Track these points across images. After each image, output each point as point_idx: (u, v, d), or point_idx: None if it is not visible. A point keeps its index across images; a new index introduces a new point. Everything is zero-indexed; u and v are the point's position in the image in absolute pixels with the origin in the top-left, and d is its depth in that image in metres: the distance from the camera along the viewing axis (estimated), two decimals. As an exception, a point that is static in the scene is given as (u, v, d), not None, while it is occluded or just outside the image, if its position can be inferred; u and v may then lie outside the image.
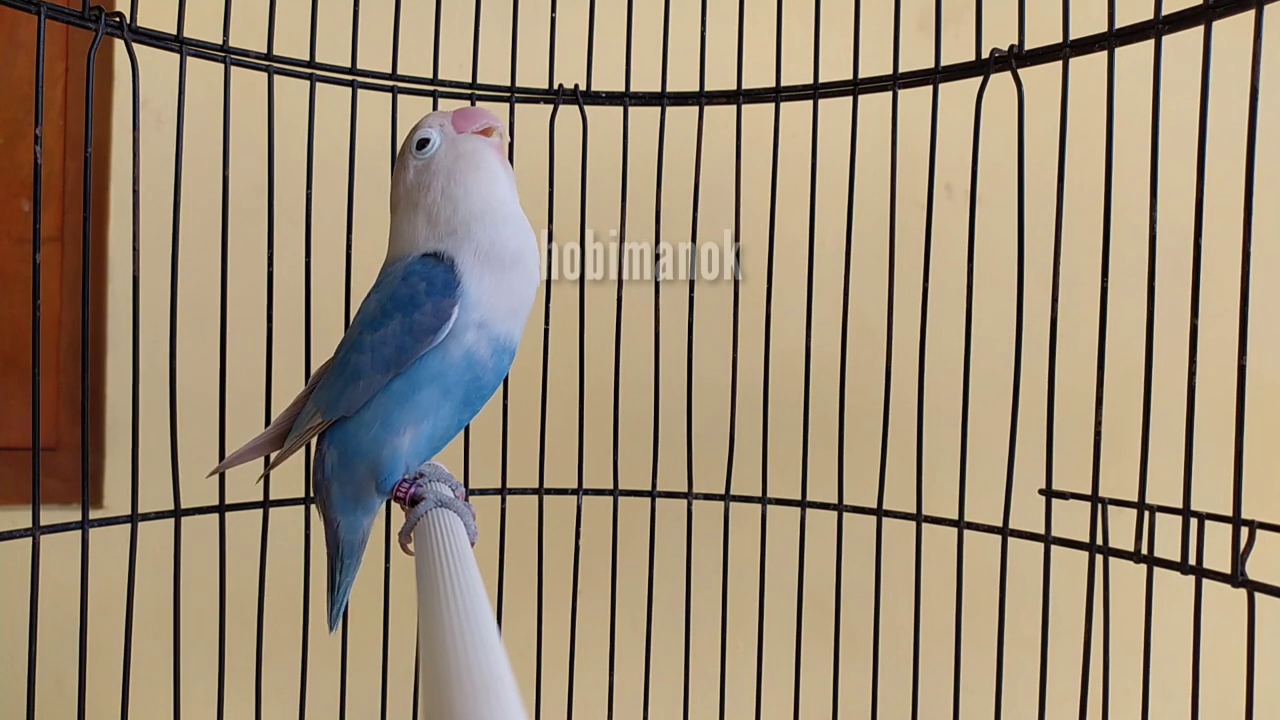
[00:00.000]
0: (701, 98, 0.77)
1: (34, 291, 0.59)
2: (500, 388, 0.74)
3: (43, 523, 0.61)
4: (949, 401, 0.72)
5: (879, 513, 0.75)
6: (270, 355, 0.71)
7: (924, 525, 0.74)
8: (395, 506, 0.71)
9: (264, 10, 0.70)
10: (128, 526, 0.65)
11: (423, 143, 0.58)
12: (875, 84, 0.74)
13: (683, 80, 0.77)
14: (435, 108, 0.75)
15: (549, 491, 0.79)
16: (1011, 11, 0.69)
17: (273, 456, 0.62)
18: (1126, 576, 0.65)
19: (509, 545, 0.77)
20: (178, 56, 0.66)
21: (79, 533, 0.63)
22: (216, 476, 0.69)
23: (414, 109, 0.74)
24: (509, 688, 0.28)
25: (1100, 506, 0.66)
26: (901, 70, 0.73)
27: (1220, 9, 0.58)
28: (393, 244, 0.60)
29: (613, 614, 0.77)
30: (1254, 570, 0.57)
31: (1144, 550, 0.64)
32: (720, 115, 0.77)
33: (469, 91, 0.76)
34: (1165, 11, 0.61)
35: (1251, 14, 0.56)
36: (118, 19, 0.62)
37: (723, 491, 0.78)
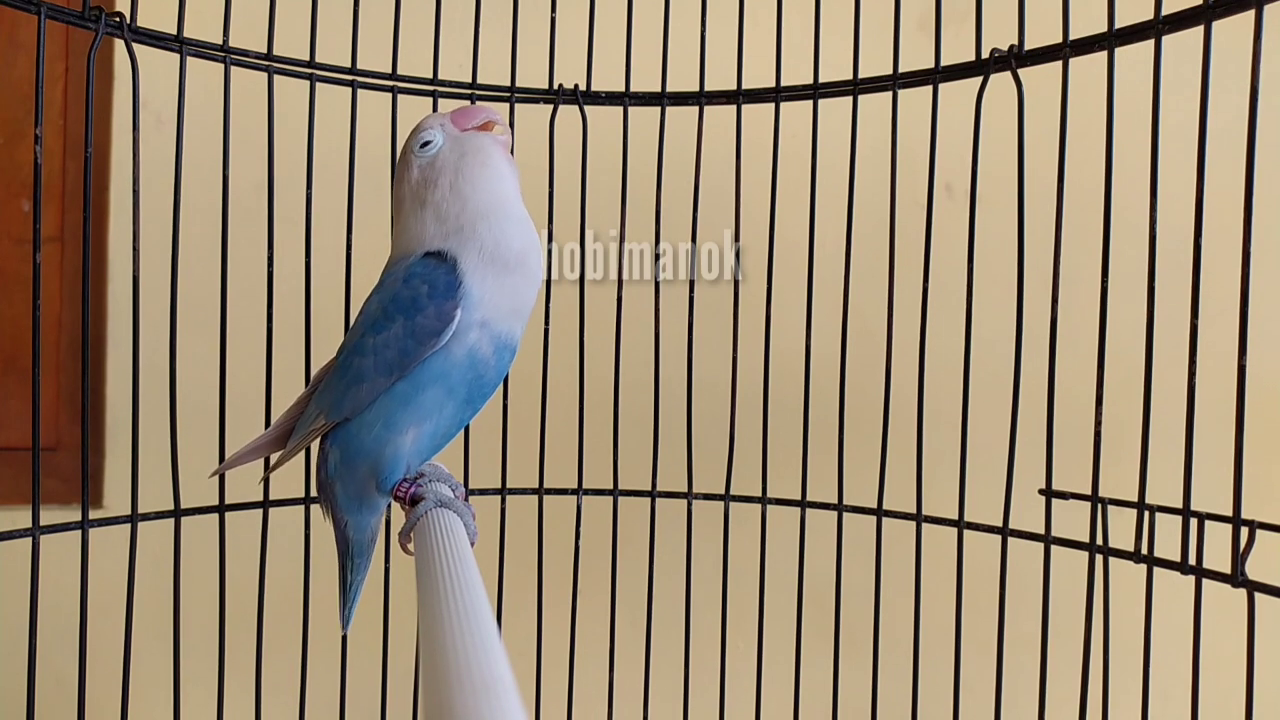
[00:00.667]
0: (701, 98, 0.77)
1: (34, 291, 0.59)
2: (500, 387, 0.74)
3: (43, 523, 0.61)
4: (949, 402, 0.72)
5: (879, 513, 0.75)
6: (270, 355, 0.71)
7: (924, 525, 0.74)
8: (395, 506, 0.71)
9: (264, 10, 0.70)
10: (128, 526, 0.65)
11: (426, 143, 0.58)
12: (875, 84, 0.74)
13: (683, 80, 0.77)
14: (435, 108, 0.75)
15: (549, 491, 0.79)
16: (1011, 11, 0.69)
17: (274, 458, 0.62)
18: (1126, 576, 0.65)
19: (509, 545, 0.77)
20: (178, 56, 0.66)
21: (79, 533, 0.63)
22: (216, 476, 0.69)
23: (414, 109, 0.74)
24: (509, 688, 0.28)
25: (1100, 506, 0.66)
26: (901, 70, 0.73)
27: (1220, 9, 0.58)
28: (397, 242, 0.60)
29: (613, 613, 0.77)
30: (1254, 570, 0.57)
31: (1144, 550, 0.64)
32: (720, 115, 0.77)
33: (469, 91, 0.76)
34: (1165, 11, 0.61)
35: (1251, 14, 0.56)
36: (118, 19, 0.62)
37: (723, 491, 0.78)
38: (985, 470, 0.72)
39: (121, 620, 0.66)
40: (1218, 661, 0.61)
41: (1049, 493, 0.69)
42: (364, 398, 0.57)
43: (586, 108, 0.76)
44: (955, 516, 0.72)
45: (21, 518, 0.62)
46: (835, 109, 0.76)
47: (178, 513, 0.67)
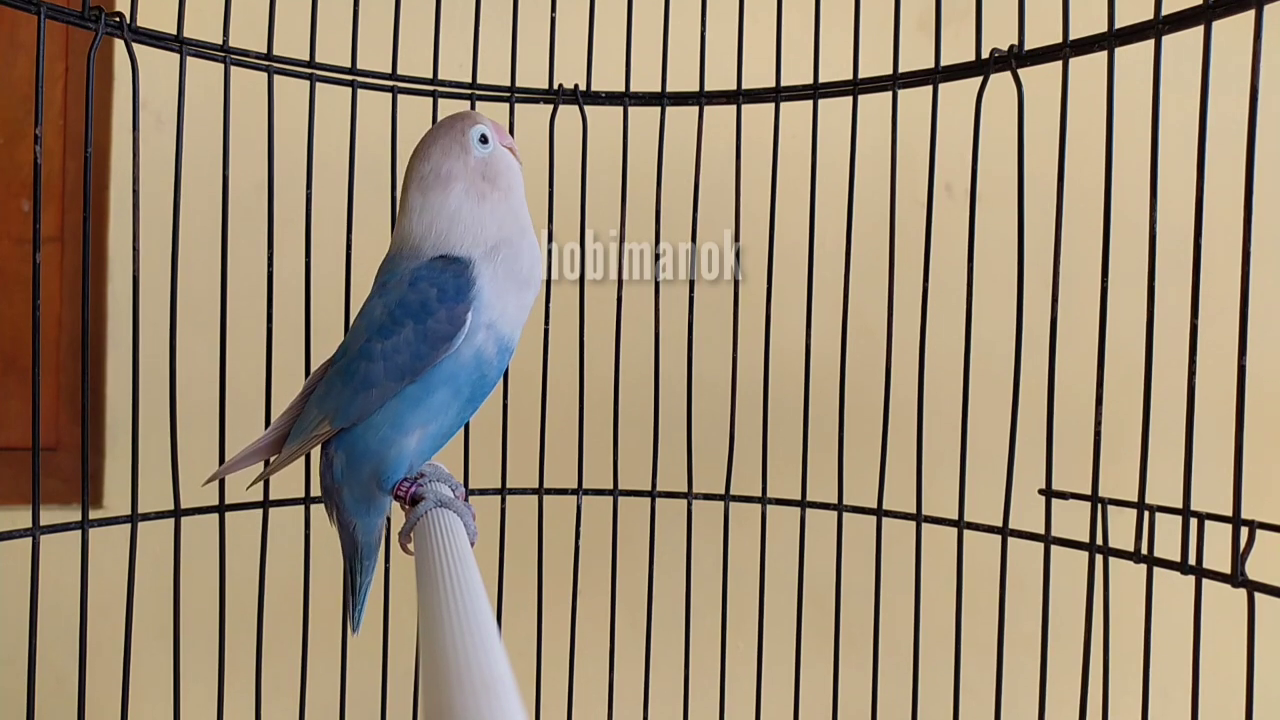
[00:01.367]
0: (701, 98, 0.77)
1: (34, 291, 0.59)
2: (500, 387, 0.74)
3: (43, 523, 0.61)
4: (949, 401, 0.72)
5: (879, 513, 0.75)
6: (270, 355, 0.71)
7: (924, 525, 0.74)
8: (395, 507, 0.71)
9: (264, 10, 0.70)
10: (128, 526, 0.65)
11: (484, 138, 0.58)
12: (875, 84, 0.74)
13: (683, 80, 0.77)
14: (435, 108, 0.75)
15: (549, 491, 0.79)
16: (1011, 11, 0.69)
17: (272, 461, 0.62)
18: (1126, 576, 0.65)
19: (509, 545, 0.77)
20: (178, 56, 0.66)
21: (79, 533, 0.63)
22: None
23: (414, 109, 0.75)
24: (509, 688, 0.28)
25: (1100, 506, 0.66)
26: (901, 70, 0.73)
27: (1220, 9, 0.58)
28: (410, 231, 0.57)
29: (613, 613, 0.77)
30: (1254, 570, 0.57)
31: (1144, 550, 0.64)
32: (720, 115, 0.77)
33: (469, 91, 0.76)
34: (1165, 11, 0.61)
35: (1251, 14, 0.56)
36: (118, 19, 0.62)
37: (723, 491, 0.78)
38: (985, 470, 0.72)
39: (121, 620, 0.66)
40: (1218, 661, 0.61)
41: (1049, 493, 0.69)
42: (374, 403, 0.56)
43: (586, 108, 0.76)
44: (955, 516, 0.72)
45: (21, 518, 0.62)
46: (835, 109, 0.76)
47: (178, 513, 0.67)
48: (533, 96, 0.77)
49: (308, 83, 0.72)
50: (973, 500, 0.72)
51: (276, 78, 0.70)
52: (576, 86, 0.77)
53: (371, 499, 0.59)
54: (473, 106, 0.76)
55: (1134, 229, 0.63)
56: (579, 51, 0.77)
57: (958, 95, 0.72)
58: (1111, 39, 0.63)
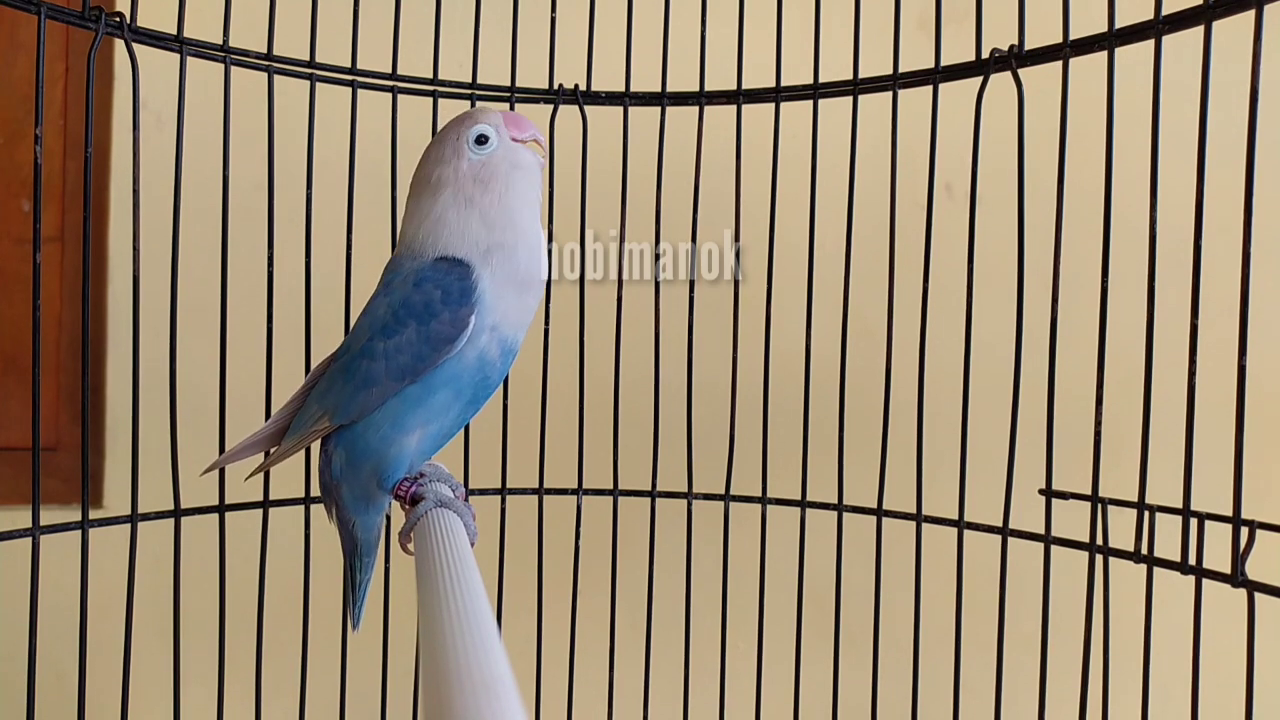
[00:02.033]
0: (701, 98, 0.77)
1: (34, 291, 0.59)
2: (500, 387, 0.74)
3: (43, 523, 0.61)
4: (949, 402, 0.72)
5: (879, 513, 0.75)
6: (270, 355, 0.71)
7: (924, 525, 0.74)
8: (395, 507, 0.71)
9: (264, 10, 0.70)
10: (128, 526, 0.65)
11: (482, 139, 0.57)
12: (875, 84, 0.74)
13: (683, 80, 0.77)
14: (435, 108, 0.75)
15: (549, 491, 0.79)
16: (1011, 11, 0.69)
17: (271, 453, 0.62)
18: (1126, 576, 0.65)
19: (509, 545, 0.77)
20: (178, 56, 0.66)
21: (79, 533, 0.63)
22: (216, 476, 0.69)
23: (414, 109, 0.75)
24: (509, 688, 0.28)
25: (1100, 506, 0.66)
26: (901, 70, 0.73)
27: (1220, 9, 0.58)
28: (415, 232, 0.58)
29: (613, 614, 0.77)
30: (1254, 570, 0.57)
31: (1144, 550, 0.64)
32: (720, 115, 0.77)
33: (469, 91, 0.76)
34: (1165, 11, 0.61)
35: (1251, 14, 0.56)
36: (118, 19, 0.62)
37: (723, 491, 0.78)
38: (985, 470, 0.72)
39: (121, 620, 0.66)
40: (1218, 661, 0.61)
41: (1049, 493, 0.69)
42: (374, 401, 0.56)
43: (586, 108, 0.76)
44: (955, 516, 0.72)
45: (21, 518, 0.62)
46: (835, 109, 0.76)
47: (178, 513, 0.67)
48: (533, 96, 0.77)
49: (308, 83, 0.72)
50: (973, 500, 0.72)
51: (276, 78, 0.70)
52: (576, 86, 0.77)
53: (370, 497, 0.59)
54: (473, 106, 0.76)
55: (1134, 229, 0.63)
56: (579, 51, 0.77)
57: (958, 95, 0.72)
58: (1111, 39, 0.63)
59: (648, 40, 0.77)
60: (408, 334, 0.55)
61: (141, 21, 0.64)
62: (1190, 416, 0.59)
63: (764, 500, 0.78)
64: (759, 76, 0.78)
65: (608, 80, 0.77)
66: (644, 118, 0.77)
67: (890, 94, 0.73)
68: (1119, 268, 0.64)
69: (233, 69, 0.69)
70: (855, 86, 0.75)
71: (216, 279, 0.69)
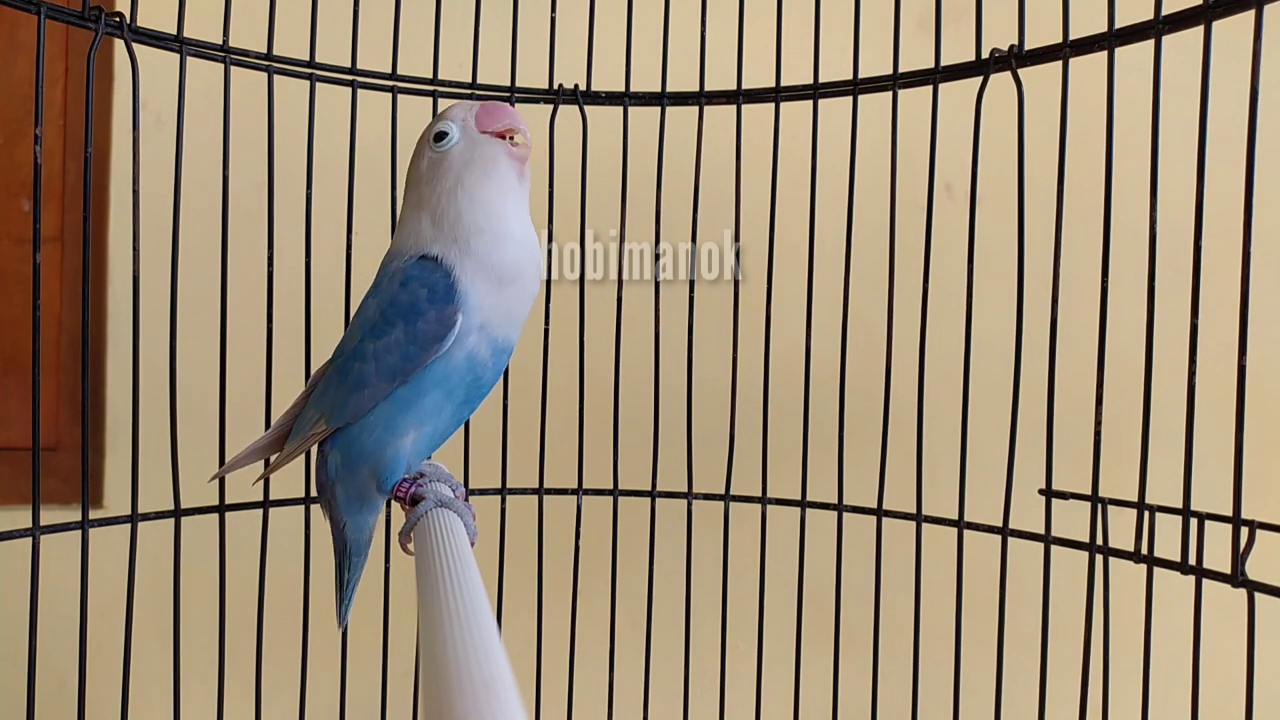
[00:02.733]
0: (701, 98, 0.77)
1: (34, 291, 0.59)
2: (500, 387, 0.74)
3: (43, 523, 0.61)
4: (949, 402, 0.72)
5: (879, 513, 0.75)
6: (270, 355, 0.71)
7: (924, 525, 0.74)
8: (395, 507, 0.71)
9: (264, 10, 0.70)
10: (128, 526, 0.65)
11: (440, 135, 0.57)
12: (875, 84, 0.74)
13: (683, 80, 0.77)
14: (435, 108, 0.75)
15: (549, 491, 0.79)
16: (1011, 11, 0.69)
17: (273, 459, 0.62)
18: (1126, 576, 0.65)
19: (509, 545, 0.77)
20: (178, 56, 0.66)
21: (79, 533, 0.63)
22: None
23: (414, 109, 0.74)
24: (509, 688, 0.28)
25: (1100, 506, 0.66)
26: (901, 70, 0.73)
27: (1220, 9, 0.58)
28: (396, 235, 0.60)
29: (613, 614, 0.77)
30: (1254, 570, 0.57)
31: (1144, 550, 0.64)
32: (720, 115, 0.77)
33: (469, 91, 0.76)
34: (1165, 11, 0.61)
35: (1251, 14, 0.56)
36: (118, 19, 0.62)
37: (723, 491, 0.78)
38: (985, 470, 0.72)
39: (121, 620, 0.66)
40: (1218, 661, 0.61)
41: (1049, 493, 0.69)
42: (366, 403, 0.56)
43: (586, 108, 0.76)
44: (955, 516, 0.72)
45: (21, 518, 0.62)
46: (835, 109, 0.76)
47: (178, 513, 0.67)
48: (533, 96, 0.77)
49: (308, 83, 0.72)
50: (973, 500, 0.72)
51: (276, 78, 0.70)
52: (576, 86, 0.77)
53: (365, 499, 0.59)
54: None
55: (1134, 229, 0.63)
56: (579, 51, 0.77)
57: (958, 95, 0.72)
58: (1111, 39, 0.63)
59: (648, 40, 0.77)
60: (396, 334, 0.55)
61: (141, 21, 0.64)
62: (1190, 416, 0.59)
63: (764, 500, 0.78)
64: (759, 76, 0.78)
65: (608, 80, 0.77)
66: (644, 118, 0.77)
67: (890, 94, 0.73)
68: (1119, 268, 0.64)
69: (233, 69, 0.69)
70: (855, 86, 0.75)
71: (216, 279, 0.69)
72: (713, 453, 0.78)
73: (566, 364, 0.77)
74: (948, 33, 0.72)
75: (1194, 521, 0.61)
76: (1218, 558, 0.60)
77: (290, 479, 0.73)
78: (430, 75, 0.75)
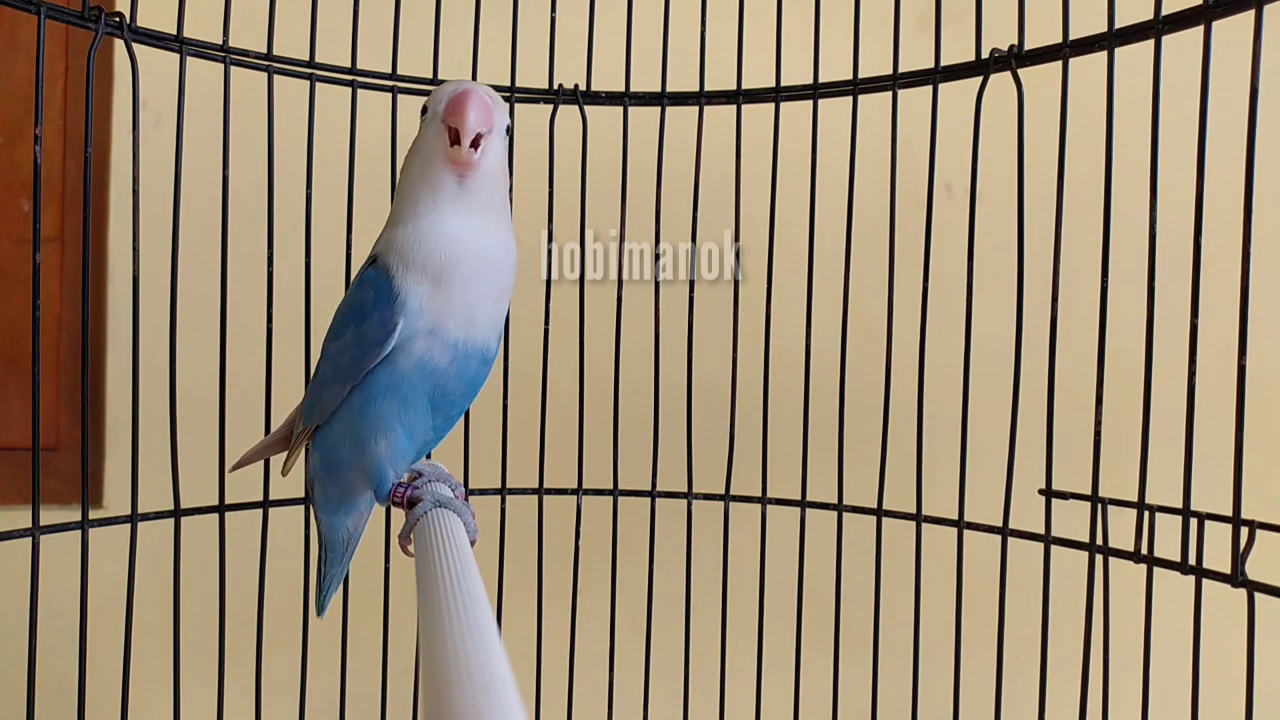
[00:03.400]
0: (701, 98, 0.77)
1: (34, 291, 0.59)
2: (500, 387, 0.74)
3: (43, 523, 0.61)
4: (949, 401, 0.72)
5: (879, 513, 0.75)
6: (270, 355, 0.71)
7: (924, 525, 0.74)
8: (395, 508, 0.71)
9: (264, 10, 0.70)
10: (128, 526, 0.65)
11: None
12: (875, 84, 0.74)
13: (683, 80, 0.77)
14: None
15: (549, 491, 0.79)
16: (1011, 11, 0.69)
17: (287, 455, 0.63)
18: (1126, 576, 0.65)
19: (509, 545, 0.77)
20: (178, 56, 0.66)
21: (79, 533, 0.63)
22: (215, 476, 0.69)
23: (414, 109, 0.74)
24: (509, 687, 0.28)
25: (1100, 506, 0.66)
26: (901, 70, 0.73)
27: (1220, 9, 0.58)
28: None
29: (613, 614, 0.77)
30: (1254, 570, 0.57)
31: (1144, 550, 0.64)
32: (720, 115, 0.77)
33: (469, 91, 0.76)
34: (1165, 11, 0.61)
35: (1251, 14, 0.56)
36: (118, 19, 0.62)
37: (723, 491, 0.78)
38: (985, 470, 0.72)
39: (121, 620, 0.66)
40: (1218, 661, 0.61)
41: (1049, 493, 0.69)
42: (328, 405, 0.56)
43: (586, 108, 0.76)
44: (955, 516, 0.72)
45: (21, 518, 0.62)
46: (835, 109, 0.76)
47: (178, 513, 0.67)
48: (533, 96, 0.77)
49: (308, 83, 0.72)
50: (973, 500, 0.72)
51: (276, 78, 0.70)
52: (576, 86, 0.77)
53: (342, 500, 0.59)
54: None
55: (1134, 229, 0.63)
56: (579, 51, 0.77)
57: (958, 95, 0.72)
58: (1111, 39, 0.63)
59: (648, 40, 0.77)
60: (348, 336, 0.54)
61: (141, 21, 0.64)
62: (1190, 416, 0.59)
63: (764, 500, 0.78)
64: (759, 76, 0.78)
65: (608, 80, 0.77)
66: (644, 118, 0.77)
67: (890, 94, 0.73)
68: (1119, 267, 0.64)
69: (233, 69, 0.69)
70: (855, 86, 0.75)
71: (216, 279, 0.69)
72: (713, 453, 0.78)
73: (566, 364, 0.77)
74: (948, 33, 0.72)
75: (1194, 521, 0.61)
76: (1218, 558, 0.60)
77: (290, 478, 0.73)
78: (430, 75, 0.75)
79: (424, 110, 0.55)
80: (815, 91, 0.76)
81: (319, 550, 0.63)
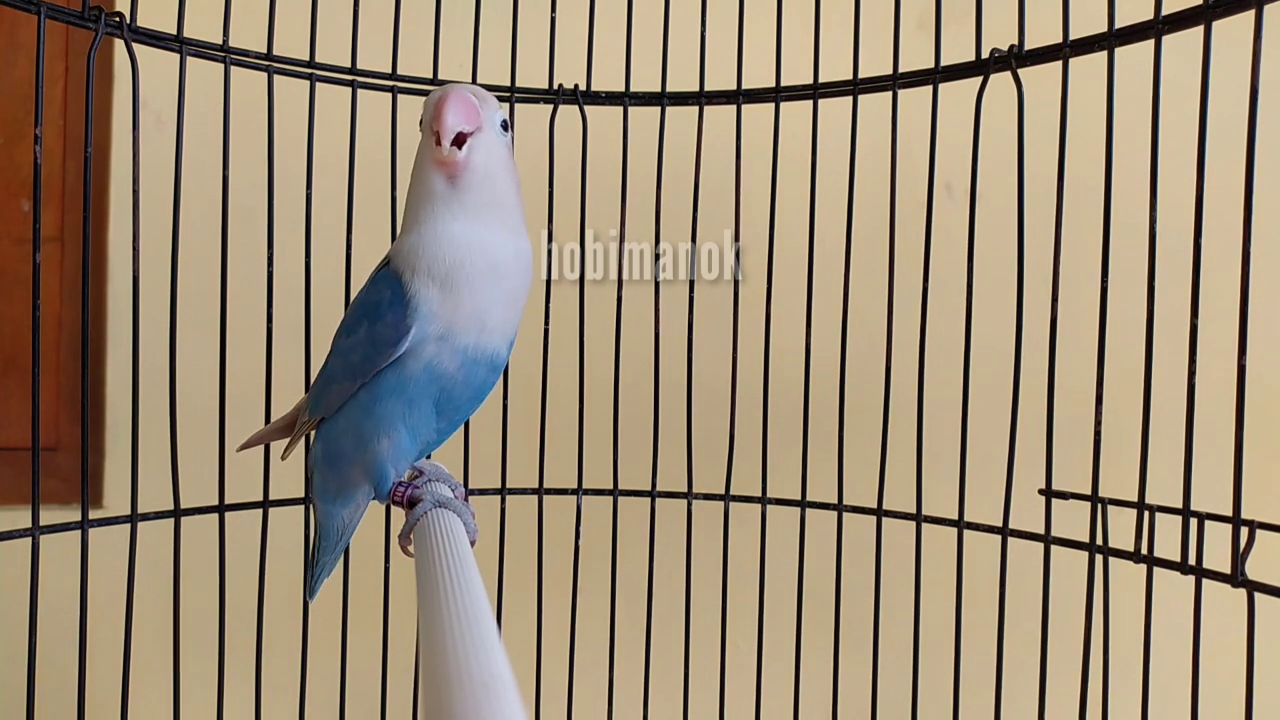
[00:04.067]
0: (701, 98, 0.77)
1: (34, 291, 0.59)
2: (500, 387, 0.74)
3: (43, 523, 0.61)
4: (949, 401, 0.72)
5: (879, 513, 0.75)
6: (270, 355, 0.71)
7: (924, 525, 0.74)
8: (395, 509, 0.71)
9: (264, 10, 0.70)
10: (128, 526, 0.65)
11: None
12: (875, 84, 0.74)
13: (683, 80, 0.77)
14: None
15: (549, 491, 0.79)
16: (1011, 11, 0.69)
17: (288, 441, 0.63)
18: (1126, 576, 0.65)
19: (509, 545, 0.77)
20: (178, 56, 0.66)
21: (79, 533, 0.63)
22: (215, 476, 0.69)
23: (414, 109, 0.74)
24: (509, 687, 0.28)
25: (1100, 506, 0.66)
26: (901, 70, 0.73)
27: (1220, 9, 0.58)
28: None
29: (613, 614, 0.77)
30: (1254, 570, 0.57)
31: (1144, 550, 0.64)
32: (720, 115, 0.77)
33: (469, 91, 0.76)
34: (1165, 11, 0.61)
35: (1251, 14, 0.56)
36: (118, 19, 0.62)
37: (723, 491, 0.78)
38: (985, 470, 0.72)
39: (121, 620, 0.66)
40: (1218, 661, 0.61)
41: (1049, 493, 0.69)
42: (334, 400, 0.56)
43: (586, 108, 0.76)
44: (955, 516, 0.72)
45: (21, 518, 0.62)
46: (835, 109, 0.76)
47: (178, 513, 0.67)
48: (533, 96, 0.77)
49: (308, 83, 0.72)
50: (973, 500, 0.72)
51: (276, 78, 0.70)
52: (576, 86, 0.77)
53: (339, 493, 0.59)
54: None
55: (1134, 229, 0.63)
56: (579, 51, 0.77)
57: (958, 95, 0.72)
58: (1111, 39, 0.63)
59: (648, 40, 0.77)
60: (360, 333, 0.54)
61: (141, 21, 0.64)
62: (1190, 416, 0.59)
63: (764, 500, 0.78)
64: (759, 76, 0.78)
65: (608, 80, 0.77)
66: (644, 118, 0.77)
67: (890, 94, 0.73)
68: (1119, 267, 0.64)
69: (233, 69, 0.69)
70: (855, 86, 0.75)
71: (216, 279, 0.69)
72: (713, 453, 0.78)
73: (566, 364, 0.77)
74: (948, 33, 0.72)
75: (1194, 521, 0.61)
76: (1218, 558, 0.60)
77: (290, 479, 0.73)
78: (430, 75, 0.75)
79: (420, 122, 0.56)
80: (815, 91, 0.76)
81: (315, 538, 0.63)
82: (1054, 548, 0.69)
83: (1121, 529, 0.66)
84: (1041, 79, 0.68)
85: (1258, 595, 0.57)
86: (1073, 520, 0.68)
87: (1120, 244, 0.64)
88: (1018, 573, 0.71)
